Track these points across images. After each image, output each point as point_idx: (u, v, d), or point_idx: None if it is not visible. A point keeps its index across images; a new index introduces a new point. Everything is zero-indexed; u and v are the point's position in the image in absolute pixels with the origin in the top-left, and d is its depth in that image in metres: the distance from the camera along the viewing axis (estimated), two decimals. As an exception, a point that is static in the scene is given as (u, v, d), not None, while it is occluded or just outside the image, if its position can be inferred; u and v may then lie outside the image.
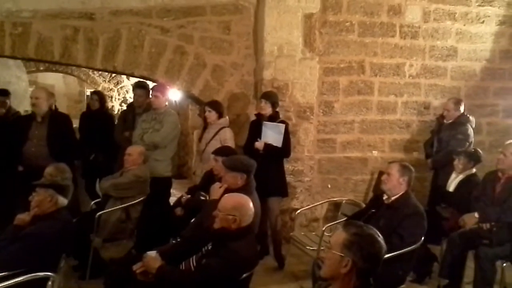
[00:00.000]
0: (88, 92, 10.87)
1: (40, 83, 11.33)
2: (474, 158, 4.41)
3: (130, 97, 10.78)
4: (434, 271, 4.18)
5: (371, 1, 5.39)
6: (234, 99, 5.28)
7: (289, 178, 4.91)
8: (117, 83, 11.74)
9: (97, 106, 5.85)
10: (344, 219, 4.05)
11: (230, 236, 2.63)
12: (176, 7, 5.04)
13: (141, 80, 5.34)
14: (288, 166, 4.94)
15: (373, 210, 3.43)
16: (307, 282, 3.72)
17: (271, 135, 4.43)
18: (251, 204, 2.75)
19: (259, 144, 4.41)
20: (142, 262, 2.77)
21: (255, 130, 4.57)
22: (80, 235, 3.67)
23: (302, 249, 4.22)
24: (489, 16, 5.75)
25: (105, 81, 11.64)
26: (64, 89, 12.44)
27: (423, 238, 3.25)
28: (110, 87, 11.70)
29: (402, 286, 3.18)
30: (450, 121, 4.98)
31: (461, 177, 4.41)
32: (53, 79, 11.83)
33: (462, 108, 5.00)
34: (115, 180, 4.27)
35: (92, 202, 4.63)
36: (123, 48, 4.97)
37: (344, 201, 4.72)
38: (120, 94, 11.90)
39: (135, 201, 4.16)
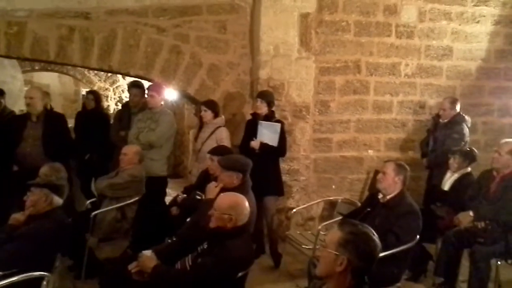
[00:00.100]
0: (83, 91, 10.78)
1: (36, 82, 11.25)
2: (469, 157, 4.43)
3: (125, 97, 10.72)
4: (429, 269, 4.20)
5: (367, 1, 5.40)
6: (230, 99, 5.28)
7: (285, 177, 4.93)
8: (113, 83, 11.69)
9: (93, 106, 5.81)
10: (339, 218, 4.05)
11: (226, 235, 2.63)
12: (172, 7, 5.03)
13: (137, 79, 5.34)
14: (284, 165, 4.95)
15: (369, 209, 3.44)
16: (303, 281, 3.74)
17: (267, 134, 4.44)
18: (246, 203, 2.75)
19: (255, 144, 4.41)
20: (138, 261, 2.77)
21: (251, 129, 4.57)
22: (76, 235, 3.66)
23: (298, 248, 4.21)
24: (484, 16, 5.77)
25: (100, 80, 11.58)
26: (60, 88, 12.36)
27: (418, 236, 3.25)
28: (106, 87, 11.64)
29: (397, 284, 3.19)
30: (446, 120, 4.99)
31: (456, 176, 4.42)
32: (48, 78, 11.75)
33: (458, 107, 5.01)
34: (111, 180, 4.25)
35: (88, 202, 4.60)
36: (118, 48, 4.96)
37: (339, 200, 4.74)
38: (115, 94, 11.84)
39: (130, 201, 4.15)
